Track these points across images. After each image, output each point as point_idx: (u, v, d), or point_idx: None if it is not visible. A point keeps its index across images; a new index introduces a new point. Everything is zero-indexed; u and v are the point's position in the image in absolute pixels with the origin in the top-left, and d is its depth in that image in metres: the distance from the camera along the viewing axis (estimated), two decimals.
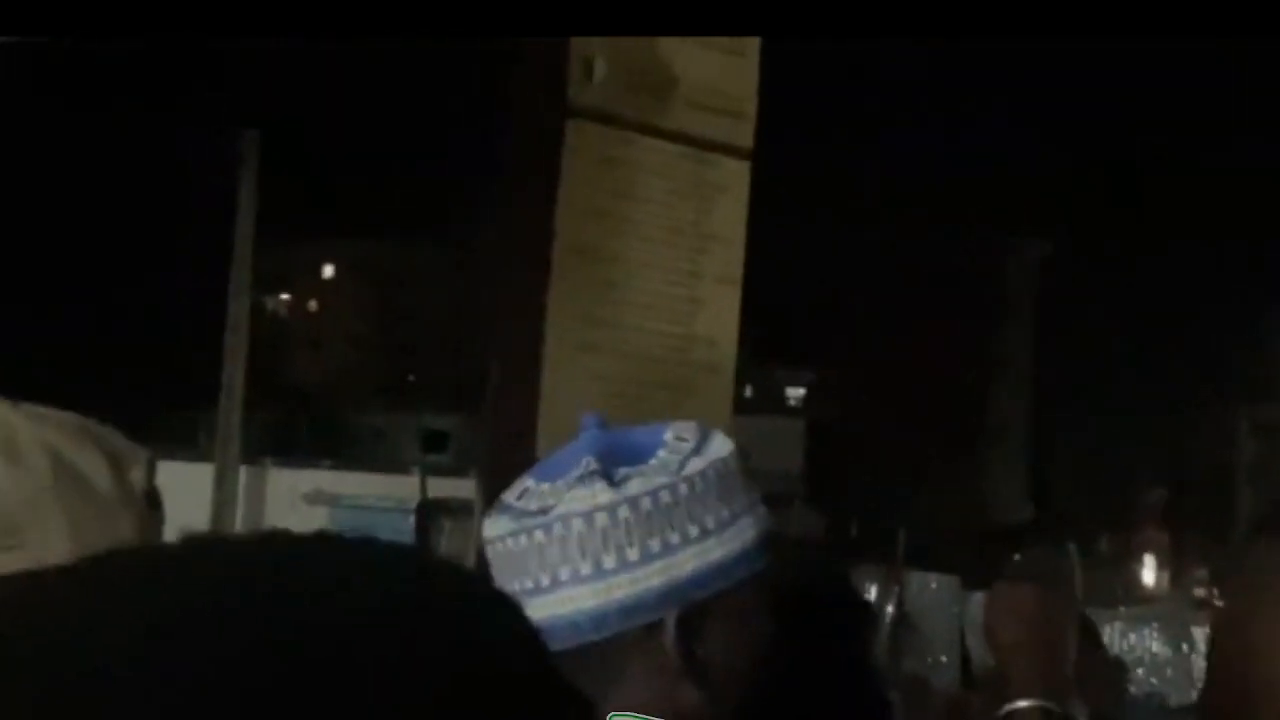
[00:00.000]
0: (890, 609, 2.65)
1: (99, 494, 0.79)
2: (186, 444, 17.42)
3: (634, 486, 0.86)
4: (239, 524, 14.63)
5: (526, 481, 0.92)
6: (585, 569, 0.84)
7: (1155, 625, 3.82)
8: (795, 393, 29.32)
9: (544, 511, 0.87)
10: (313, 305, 38.06)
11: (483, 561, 0.89)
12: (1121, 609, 5.08)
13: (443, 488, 6.68)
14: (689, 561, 0.86)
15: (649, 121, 3.55)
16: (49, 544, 0.75)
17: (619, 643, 0.81)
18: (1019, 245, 18.72)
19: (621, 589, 0.84)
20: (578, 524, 0.85)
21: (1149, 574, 9.57)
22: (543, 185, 3.37)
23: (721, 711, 0.87)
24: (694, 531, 0.85)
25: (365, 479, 8.48)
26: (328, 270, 38.32)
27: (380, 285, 37.22)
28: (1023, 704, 0.99)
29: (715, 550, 0.86)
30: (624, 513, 0.85)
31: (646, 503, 0.85)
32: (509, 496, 0.92)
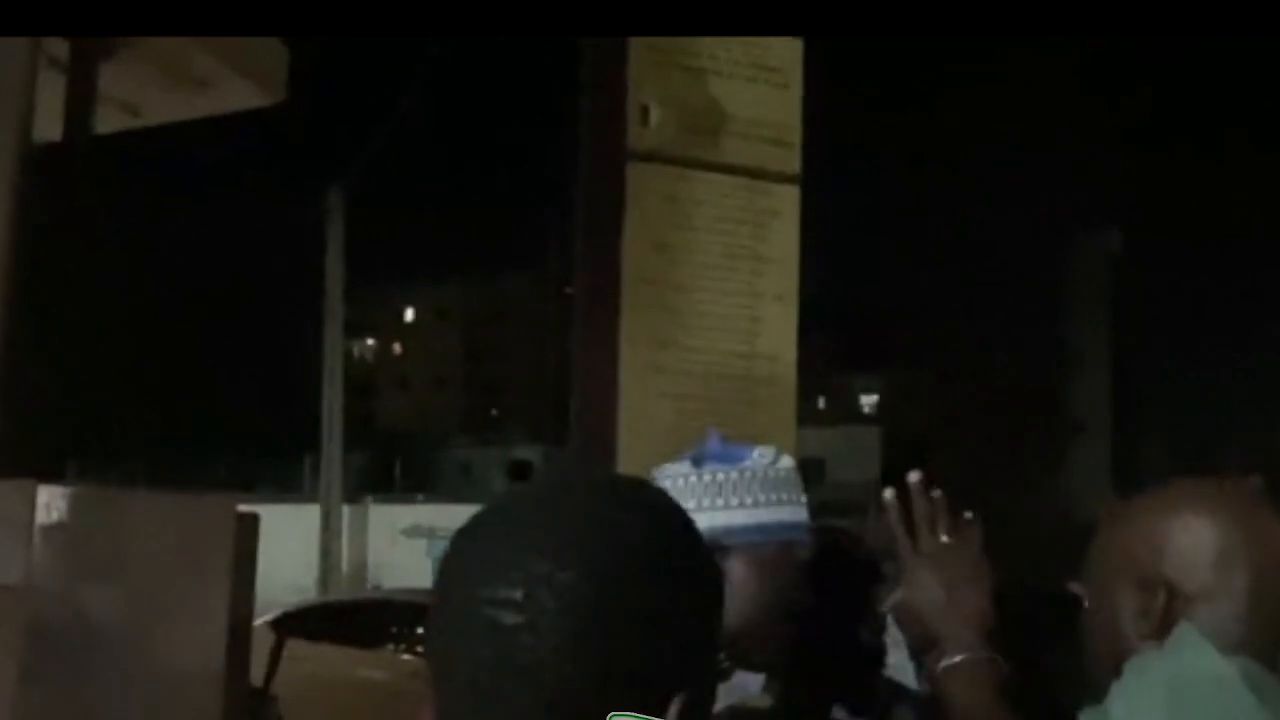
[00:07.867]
0: None
1: None
2: (293, 487, 18.09)
3: (706, 469, 1.43)
4: (345, 557, 15.09)
5: (661, 467, 1.51)
6: None
7: None
8: (869, 399, 29.31)
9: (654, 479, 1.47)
10: (397, 349, 39.00)
11: None
12: None
13: None
14: (735, 517, 1.39)
15: (703, 157, 3.81)
16: None
17: None
18: (1088, 238, 18.48)
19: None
20: (667, 484, 1.42)
21: None
22: (609, 224, 3.64)
23: (759, 621, 1.36)
24: (747, 501, 1.40)
25: (458, 510, 8.74)
26: (409, 314, 39.19)
27: (459, 327, 37.91)
28: (957, 658, 1.11)
29: (763, 515, 1.40)
30: (693, 480, 1.42)
31: (707, 479, 1.43)
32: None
